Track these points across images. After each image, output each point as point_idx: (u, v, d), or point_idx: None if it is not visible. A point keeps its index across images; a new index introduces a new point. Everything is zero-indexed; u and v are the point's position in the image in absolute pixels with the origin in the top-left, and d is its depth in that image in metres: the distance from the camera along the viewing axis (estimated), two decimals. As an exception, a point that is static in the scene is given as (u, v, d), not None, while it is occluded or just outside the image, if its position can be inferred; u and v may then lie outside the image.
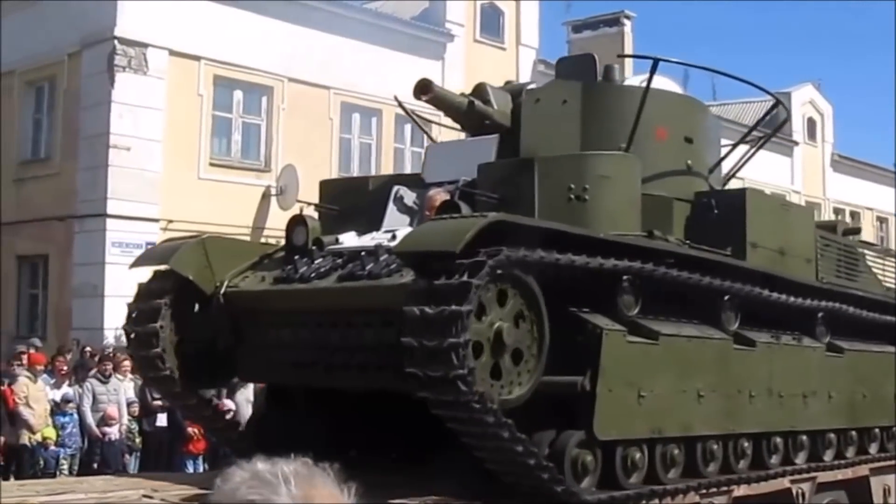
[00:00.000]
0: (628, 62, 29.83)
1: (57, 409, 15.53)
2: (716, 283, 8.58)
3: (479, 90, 9.13)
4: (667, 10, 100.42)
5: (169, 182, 22.31)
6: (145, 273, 8.86)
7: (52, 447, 15.15)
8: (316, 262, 8.19)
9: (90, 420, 15.77)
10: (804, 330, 10.01)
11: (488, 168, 8.43)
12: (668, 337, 8.13)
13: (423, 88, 8.66)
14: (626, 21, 33.89)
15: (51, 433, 15.17)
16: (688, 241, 8.90)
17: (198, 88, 23.44)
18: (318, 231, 8.63)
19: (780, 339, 9.58)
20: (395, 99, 9.35)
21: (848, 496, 11.05)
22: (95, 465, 15.58)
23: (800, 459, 9.75)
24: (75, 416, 15.61)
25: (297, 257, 8.36)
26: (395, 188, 8.85)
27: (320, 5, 25.38)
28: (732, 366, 8.88)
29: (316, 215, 9.23)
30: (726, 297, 8.85)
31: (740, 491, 9.18)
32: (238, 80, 24.27)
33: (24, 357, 16.32)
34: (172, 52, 22.82)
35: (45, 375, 16.04)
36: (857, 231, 12.67)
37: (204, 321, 8.56)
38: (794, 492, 9.91)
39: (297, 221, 8.65)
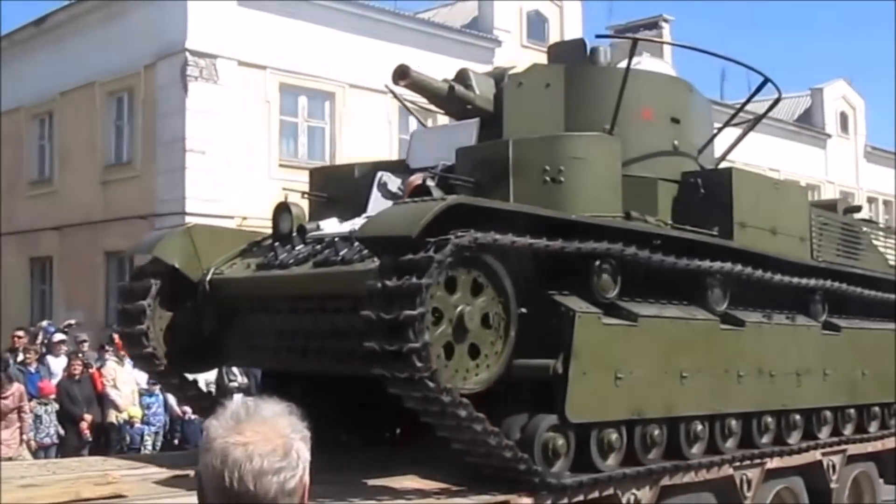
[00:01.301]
0: (667, 52, 28.81)
1: (144, 390, 15.21)
2: (697, 263, 7.59)
3: (462, 75, 8.24)
4: (704, 12, 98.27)
5: (242, 182, 21.75)
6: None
7: (138, 425, 14.88)
8: (297, 248, 7.46)
9: (172, 400, 15.28)
10: (800, 309, 8.95)
11: (466, 152, 7.52)
12: (648, 318, 7.15)
13: (401, 74, 7.82)
14: (664, 24, 32.60)
15: (136, 412, 14.92)
16: (670, 223, 7.93)
17: (265, 95, 22.91)
18: (302, 218, 7.91)
19: (773, 319, 8.53)
20: (387, 87, 8.48)
21: (877, 467, 10.30)
22: (176, 441, 15.40)
23: (793, 438, 8.69)
24: (160, 396, 15.22)
25: (277, 244, 7.64)
26: (379, 174, 8.02)
27: (377, 16, 24.78)
28: (719, 346, 7.86)
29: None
30: (712, 278, 7.85)
31: (773, 463, 8.46)
32: (302, 86, 23.71)
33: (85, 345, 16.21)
34: (240, 63, 22.36)
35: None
36: (858, 209, 11.48)
37: (192, 308, 7.85)
38: (824, 464, 9.17)
39: (281, 209, 7.92)
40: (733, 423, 7.99)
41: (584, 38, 8.90)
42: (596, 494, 6.92)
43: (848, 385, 9.40)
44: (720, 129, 9.28)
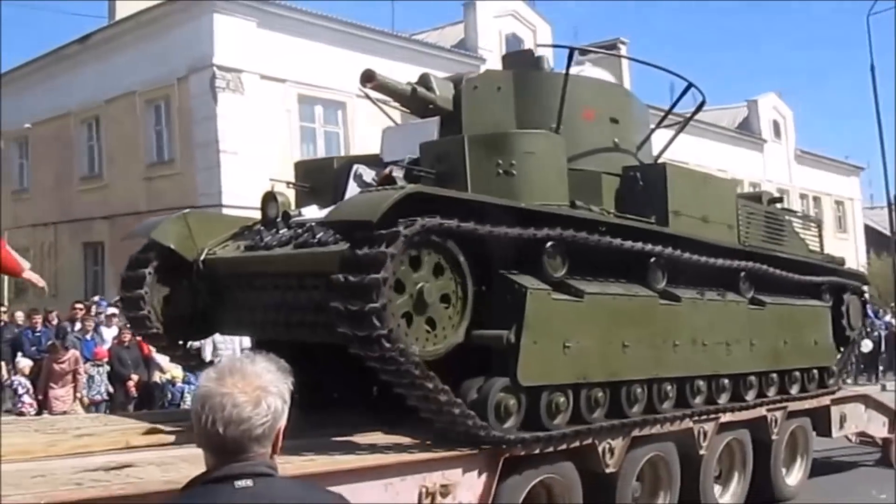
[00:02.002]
0: (625, 70, 28.34)
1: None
2: (638, 247, 7.16)
3: (424, 79, 7.79)
4: (660, 31, 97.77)
5: (269, 179, 21.20)
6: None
7: (179, 384, 14.51)
8: (280, 232, 7.04)
9: (210, 363, 15.04)
10: (729, 287, 8.50)
11: (428, 146, 7.08)
12: (593, 295, 6.72)
13: (368, 77, 7.40)
14: (621, 46, 31.98)
15: (178, 373, 14.46)
16: (613, 211, 7.49)
17: (285, 104, 22.36)
18: (287, 205, 7.48)
19: (705, 296, 8.08)
20: (361, 90, 8.03)
21: (812, 422, 10.10)
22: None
23: (722, 399, 8.25)
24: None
25: (263, 228, 7.23)
26: (355, 167, 7.59)
27: (379, 37, 24.27)
28: (658, 319, 7.42)
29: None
30: (651, 259, 7.41)
31: (726, 417, 8.24)
32: (318, 97, 23.13)
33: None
34: (262, 76, 21.79)
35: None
36: (780, 200, 11.05)
37: (188, 284, 7.43)
38: (769, 418, 8.95)
39: (268, 197, 7.48)
40: (669, 387, 7.58)
41: (532, 49, 8.45)
42: (577, 444, 6.66)
43: (771, 353, 8.98)
44: (653, 130, 8.81)
